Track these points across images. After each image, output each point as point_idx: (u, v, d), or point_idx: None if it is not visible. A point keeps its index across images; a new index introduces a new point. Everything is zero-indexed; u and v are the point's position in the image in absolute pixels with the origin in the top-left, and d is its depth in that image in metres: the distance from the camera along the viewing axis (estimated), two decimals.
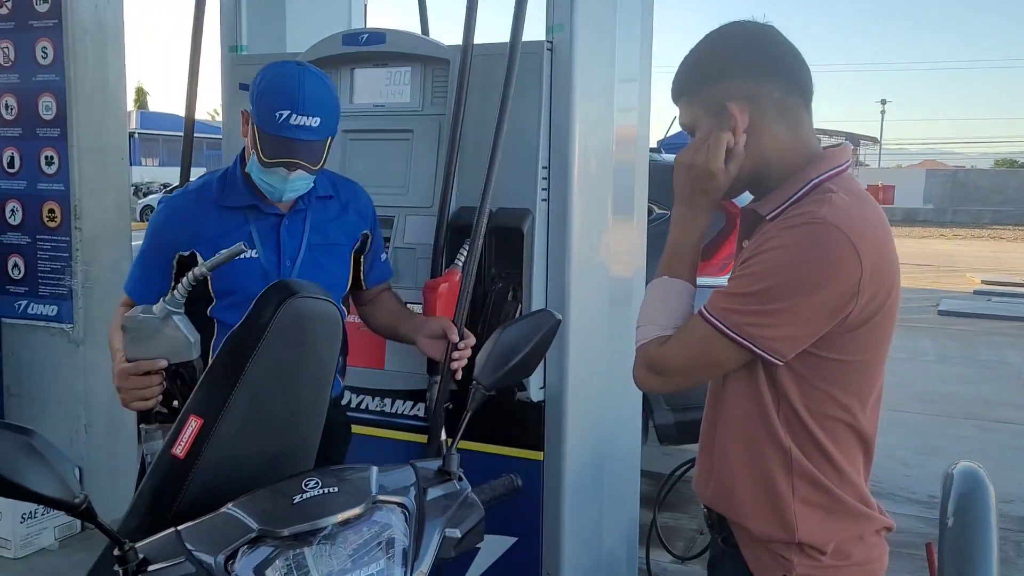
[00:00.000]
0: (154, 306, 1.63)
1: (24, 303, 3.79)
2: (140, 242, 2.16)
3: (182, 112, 3.03)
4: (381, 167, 2.63)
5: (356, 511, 1.20)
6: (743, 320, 1.41)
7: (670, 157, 5.04)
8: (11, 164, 3.74)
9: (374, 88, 2.64)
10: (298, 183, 2.00)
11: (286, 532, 1.15)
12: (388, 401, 2.66)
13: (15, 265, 3.78)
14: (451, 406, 2.40)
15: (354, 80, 2.68)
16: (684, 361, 1.50)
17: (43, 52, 3.59)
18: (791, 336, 1.40)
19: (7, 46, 3.64)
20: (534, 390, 2.48)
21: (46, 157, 3.67)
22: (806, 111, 1.53)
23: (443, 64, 2.52)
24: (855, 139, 32.26)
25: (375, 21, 3.40)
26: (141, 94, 48.90)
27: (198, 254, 2.02)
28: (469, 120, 2.44)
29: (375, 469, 1.29)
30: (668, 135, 7.42)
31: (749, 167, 1.52)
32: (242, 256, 1.92)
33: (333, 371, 1.44)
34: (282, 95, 1.91)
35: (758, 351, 1.42)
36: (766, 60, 1.51)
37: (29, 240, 3.75)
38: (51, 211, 3.69)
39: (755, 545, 1.54)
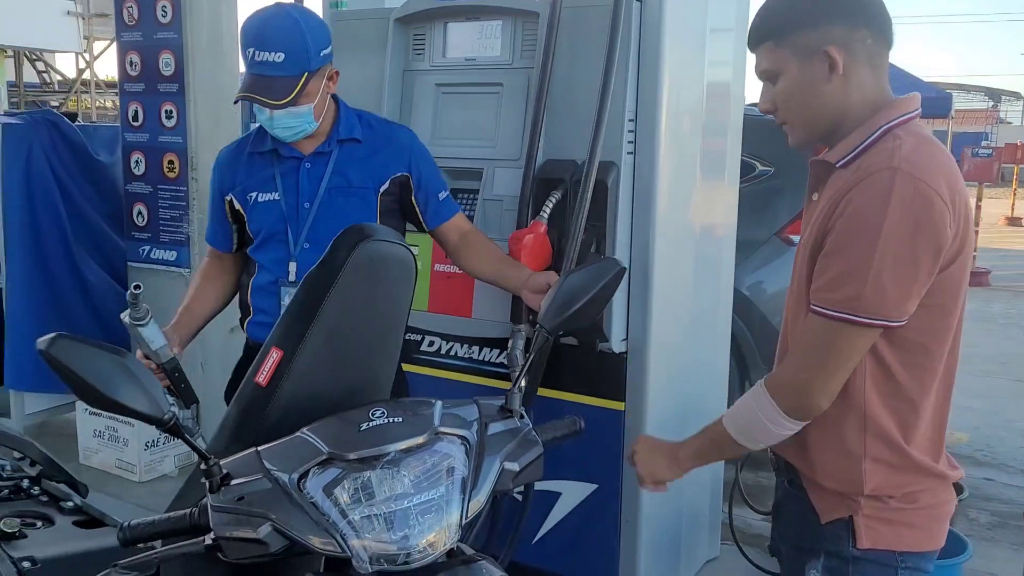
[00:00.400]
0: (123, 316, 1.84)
1: (147, 248, 4.06)
2: None
3: None
4: (471, 120, 2.69)
5: (419, 440, 1.28)
6: (859, 300, 1.40)
7: None
8: (135, 118, 3.99)
9: (466, 42, 2.69)
10: (284, 121, 2.06)
11: (353, 456, 1.24)
12: (475, 348, 2.75)
13: (139, 213, 4.05)
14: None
15: (447, 34, 2.73)
16: (821, 371, 1.46)
17: (163, 11, 3.79)
18: (908, 293, 1.40)
19: (131, 5, 3.87)
20: (616, 341, 2.52)
21: (166, 111, 3.89)
22: (887, 59, 1.52)
23: (532, 17, 2.54)
24: (995, 94, 30.21)
25: None
26: None
27: (233, 198, 2.17)
28: (557, 73, 2.47)
29: (440, 403, 1.36)
30: None
31: (832, 114, 1.51)
32: (266, 199, 2.09)
33: (407, 312, 1.52)
34: (248, 33, 2.02)
35: (886, 323, 1.42)
36: (861, 6, 1.49)
37: (151, 190, 4.00)
38: (170, 162, 3.93)
39: (822, 489, 1.55)
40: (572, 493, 2.69)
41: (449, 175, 2.71)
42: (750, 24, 1.58)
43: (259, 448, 1.29)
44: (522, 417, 1.45)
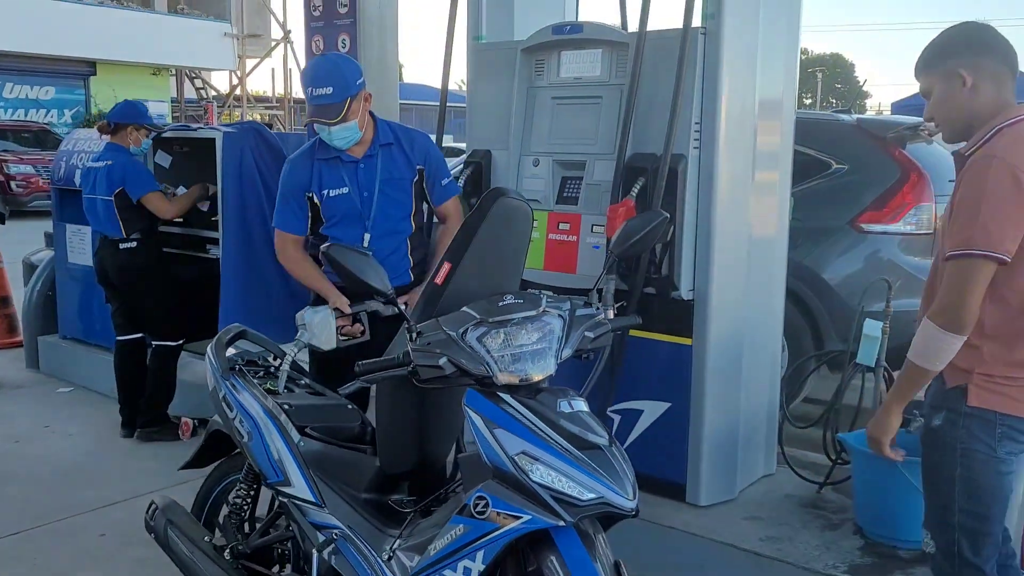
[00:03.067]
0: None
1: None
2: None
3: (433, 84, 4.09)
4: (578, 124, 3.54)
5: (532, 312, 2.11)
6: (972, 240, 2.01)
7: (850, 117, 5.54)
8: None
9: (574, 66, 3.55)
10: (339, 133, 2.96)
11: (493, 319, 2.09)
12: (580, 301, 3.57)
13: None
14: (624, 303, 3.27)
15: (560, 60, 3.60)
16: (971, 301, 2.04)
17: (343, 42, 4.80)
18: (1004, 235, 2.04)
19: (319, 40, 4.90)
20: (684, 291, 3.31)
21: None
22: (1011, 79, 2.20)
23: (624, 47, 3.38)
24: None
25: (585, 12, 4.26)
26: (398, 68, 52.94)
27: (313, 193, 3.07)
28: (642, 88, 3.28)
29: (547, 295, 2.20)
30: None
31: (965, 116, 2.20)
32: (337, 192, 3.02)
33: (527, 243, 2.38)
34: (306, 76, 2.99)
35: (995, 255, 2.01)
36: (984, 41, 2.20)
37: None
38: None
39: (951, 365, 2.15)
40: (652, 410, 3.48)
41: (560, 166, 3.58)
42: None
43: (438, 318, 2.17)
44: (598, 308, 2.28)
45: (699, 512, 3.35)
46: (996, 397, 2.15)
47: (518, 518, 1.93)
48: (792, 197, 3.80)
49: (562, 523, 1.91)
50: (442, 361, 2.06)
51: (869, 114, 9.04)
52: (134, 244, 4.60)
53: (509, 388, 2.05)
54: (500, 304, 2.14)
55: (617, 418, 3.54)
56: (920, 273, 4.90)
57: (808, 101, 55.71)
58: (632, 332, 3.41)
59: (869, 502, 3.19)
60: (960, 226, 2.08)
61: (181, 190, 4.92)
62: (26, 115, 21.93)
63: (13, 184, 15.88)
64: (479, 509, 1.98)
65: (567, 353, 2.14)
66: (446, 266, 2.26)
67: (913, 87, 2.43)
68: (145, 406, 4.76)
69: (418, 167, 3.18)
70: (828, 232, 5.01)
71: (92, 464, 4.43)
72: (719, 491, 3.42)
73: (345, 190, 3.09)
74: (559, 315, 2.17)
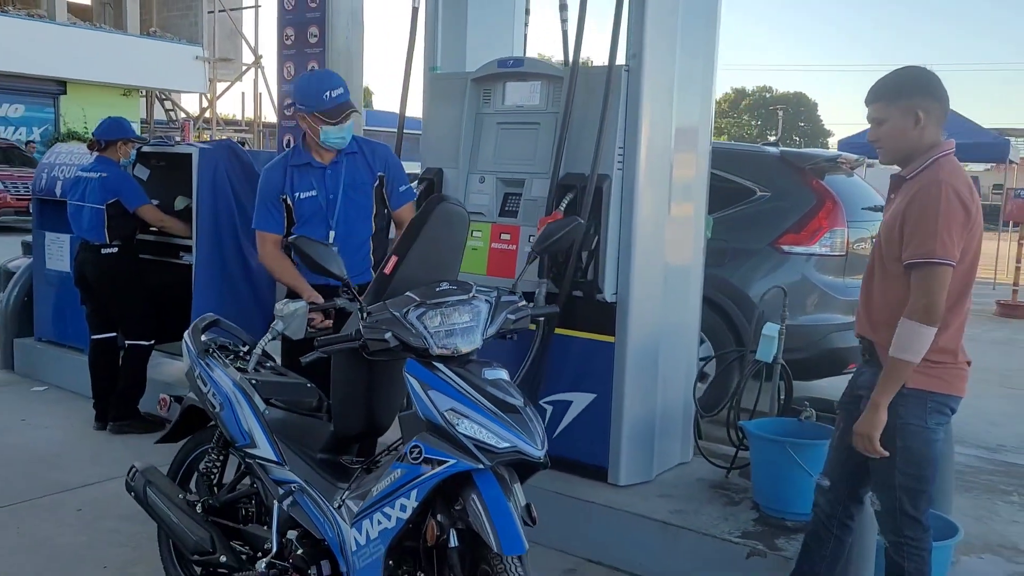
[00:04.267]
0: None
1: None
2: None
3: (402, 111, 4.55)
4: (519, 146, 4.00)
5: (464, 297, 2.54)
6: (935, 250, 2.47)
7: (775, 150, 6.08)
8: (288, 144, 5.42)
9: (517, 95, 4.02)
10: (346, 131, 3.48)
11: (431, 301, 2.52)
12: (505, 290, 4.01)
13: None
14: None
15: (505, 90, 4.07)
16: (939, 299, 2.49)
17: (311, 68, 5.24)
18: (955, 246, 2.51)
19: (290, 66, 5.34)
20: (608, 294, 3.76)
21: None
22: (944, 119, 2.71)
23: (559, 80, 3.86)
24: None
25: (533, 46, 4.76)
26: (367, 93, 53.49)
27: (287, 196, 3.53)
28: (574, 117, 3.76)
29: (475, 285, 2.64)
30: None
31: (910, 149, 2.67)
32: (307, 195, 3.45)
33: (464, 242, 2.82)
34: (317, 84, 3.49)
35: (950, 263, 2.47)
36: (936, 87, 2.70)
37: None
38: None
39: (888, 353, 2.63)
40: (580, 401, 3.92)
41: (503, 183, 4.04)
42: (870, 88, 2.73)
43: (386, 301, 2.59)
44: (520, 297, 2.71)
45: (619, 491, 3.78)
46: (927, 379, 2.63)
47: (445, 462, 2.35)
48: (710, 216, 4.28)
49: (481, 466, 2.33)
50: (387, 335, 2.48)
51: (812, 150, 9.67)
52: (115, 250, 4.98)
53: (443, 359, 2.47)
54: (437, 290, 2.57)
55: (550, 408, 3.97)
56: (832, 290, 5.47)
57: (772, 137, 57.16)
58: (563, 331, 3.86)
59: (764, 481, 3.64)
60: (921, 239, 2.54)
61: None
62: None
63: None
64: (414, 456, 2.39)
65: (492, 331, 2.58)
66: (394, 258, 2.69)
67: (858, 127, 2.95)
68: (117, 402, 5.10)
69: (379, 174, 3.65)
70: (752, 253, 5.53)
71: (67, 452, 4.77)
72: (637, 473, 3.86)
73: (313, 192, 3.54)
74: (486, 300, 2.61)
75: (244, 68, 26.72)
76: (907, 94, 2.68)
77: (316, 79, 3.56)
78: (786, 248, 5.50)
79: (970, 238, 2.59)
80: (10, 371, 6.36)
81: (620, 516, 3.60)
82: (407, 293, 2.58)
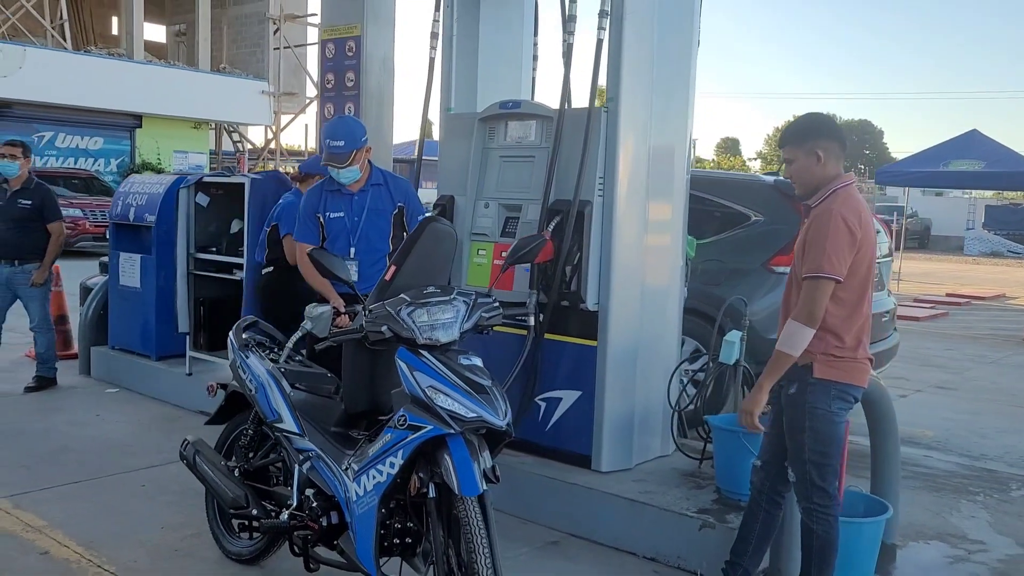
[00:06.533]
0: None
1: None
2: None
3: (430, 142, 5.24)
4: (518, 176, 4.63)
5: (446, 298, 3.15)
6: (822, 267, 3.03)
7: (769, 179, 6.58)
8: None
9: (516, 132, 4.65)
10: (345, 174, 4.15)
11: (420, 301, 3.14)
12: (483, 293, 4.61)
13: None
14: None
15: (507, 128, 4.71)
16: (820, 307, 3.04)
17: (348, 109, 5.96)
18: (843, 264, 3.04)
19: (330, 107, 6.07)
20: (591, 303, 4.34)
21: None
22: (843, 155, 3.27)
23: (551, 120, 4.48)
24: None
25: (542, 87, 5.40)
26: None
27: (320, 215, 4.24)
28: (562, 151, 4.37)
29: (456, 288, 3.25)
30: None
31: (816, 181, 3.22)
32: (336, 216, 4.12)
33: (452, 255, 3.44)
34: (325, 133, 4.16)
35: (836, 278, 3.05)
36: (832, 128, 3.29)
37: None
38: None
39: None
40: (568, 397, 4.49)
41: (504, 208, 4.66)
42: (781, 134, 3.34)
43: (384, 301, 3.22)
44: (494, 299, 3.31)
45: (599, 476, 4.33)
46: (832, 371, 3.16)
47: (424, 427, 2.96)
48: (692, 237, 4.83)
49: (452, 431, 2.93)
50: (384, 328, 3.11)
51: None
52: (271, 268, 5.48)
53: (427, 347, 3.09)
54: (425, 292, 3.20)
55: (543, 404, 4.55)
56: None
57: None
58: (554, 336, 4.45)
59: (724, 467, 4.16)
60: (813, 256, 3.09)
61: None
62: (76, 163, 23.51)
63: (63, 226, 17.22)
64: (400, 423, 3.00)
65: (468, 326, 3.18)
66: (393, 267, 3.33)
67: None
68: None
69: (399, 204, 4.37)
70: (746, 272, 6.03)
71: (134, 442, 5.50)
72: (617, 461, 4.40)
73: (341, 214, 4.26)
74: (464, 301, 3.22)
75: (307, 101, 27.99)
76: (810, 137, 3.22)
77: (328, 129, 4.24)
78: (777, 268, 5.99)
79: (860, 256, 3.10)
80: (87, 375, 7.18)
81: (596, 495, 4.15)
82: (401, 295, 3.20)
